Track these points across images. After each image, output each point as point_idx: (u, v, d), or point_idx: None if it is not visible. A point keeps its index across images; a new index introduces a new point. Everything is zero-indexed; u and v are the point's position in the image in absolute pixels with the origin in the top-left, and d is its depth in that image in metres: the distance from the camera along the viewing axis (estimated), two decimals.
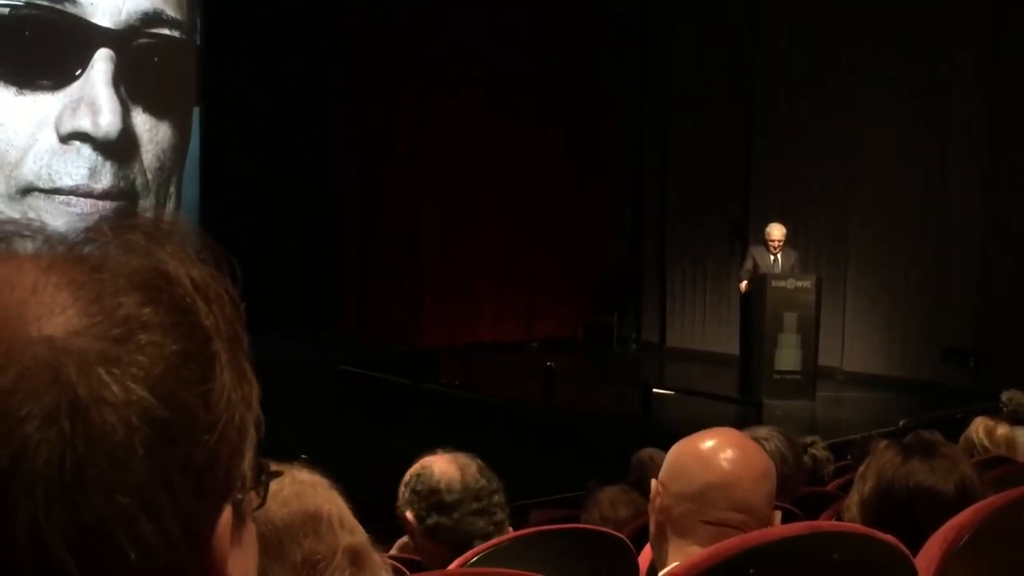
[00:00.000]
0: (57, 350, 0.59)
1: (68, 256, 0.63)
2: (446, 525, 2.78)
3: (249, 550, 0.68)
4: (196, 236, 0.69)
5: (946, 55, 11.99)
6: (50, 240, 0.65)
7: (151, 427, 0.59)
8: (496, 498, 2.85)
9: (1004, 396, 6.75)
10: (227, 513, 0.64)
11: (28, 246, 0.65)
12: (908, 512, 2.32)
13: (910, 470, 2.39)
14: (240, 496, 0.66)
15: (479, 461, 2.92)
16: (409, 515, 2.81)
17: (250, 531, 0.68)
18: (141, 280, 0.63)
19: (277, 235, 12.97)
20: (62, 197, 11.21)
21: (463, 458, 2.89)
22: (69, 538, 0.56)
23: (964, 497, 2.32)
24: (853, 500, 2.46)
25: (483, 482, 2.83)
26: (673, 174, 15.17)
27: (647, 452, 5.45)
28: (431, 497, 2.80)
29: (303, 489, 1.62)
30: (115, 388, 0.58)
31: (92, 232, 0.65)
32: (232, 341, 0.66)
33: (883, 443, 2.59)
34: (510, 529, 2.89)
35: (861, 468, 2.53)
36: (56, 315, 0.60)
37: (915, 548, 1.83)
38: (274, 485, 1.57)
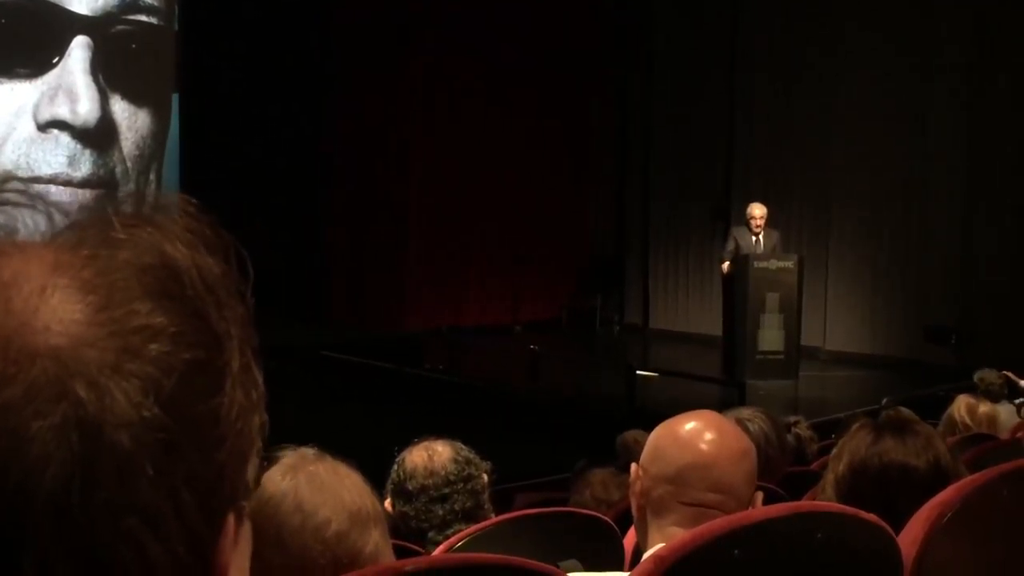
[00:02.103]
0: (65, 363, 0.56)
1: (76, 253, 0.60)
2: (409, 514, 2.80)
3: (244, 550, 0.65)
4: (206, 225, 0.66)
5: (930, 36, 12.01)
6: (53, 219, 0.62)
7: (161, 444, 0.56)
8: (466, 485, 2.83)
9: (976, 376, 6.75)
10: (230, 522, 0.62)
11: (31, 220, 0.62)
12: (882, 490, 2.32)
13: (883, 448, 2.39)
14: (243, 503, 0.64)
15: (459, 447, 2.90)
16: (387, 503, 2.83)
17: (246, 530, 0.65)
18: (152, 283, 0.60)
19: (260, 221, 12.91)
20: (41, 186, 11.14)
21: (440, 445, 2.88)
22: (77, 564, 0.54)
23: (938, 474, 2.32)
24: (828, 480, 2.47)
25: (452, 469, 2.82)
26: (655, 156, 15.18)
27: (631, 434, 5.45)
28: (400, 485, 2.83)
29: (349, 529, 1.60)
30: (125, 404, 0.56)
31: (101, 223, 0.62)
32: (242, 343, 0.64)
33: (856, 423, 2.59)
34: (492, 514, 2.89)
35: (835, 449, 2.53)
36: (65, 324, 0.57)
37: (891, 526, 1.84)
38: (320, 516, 1.56)
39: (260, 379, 0.65)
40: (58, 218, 0.63)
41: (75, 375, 0.56)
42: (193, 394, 0.59)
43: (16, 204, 0.63)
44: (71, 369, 0.56)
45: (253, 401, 0.63)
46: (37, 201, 0.63)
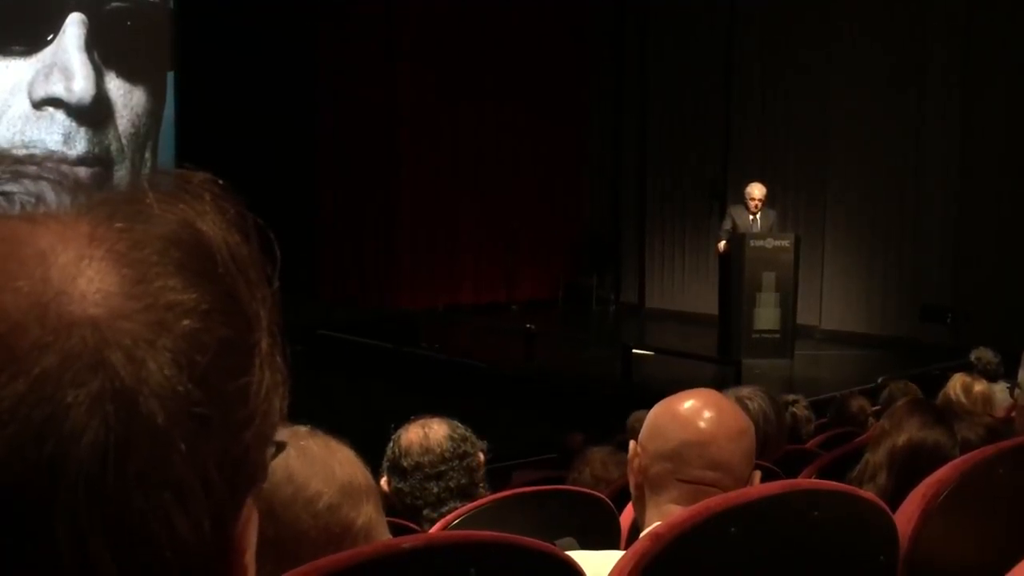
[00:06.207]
0: (103, 333, 0.55)
1: (110, 226, 0.59)
2: (404, 490, 2.80)
3: (255, 529, 0.66)
4: (233, 205, 0.66)
5: (924, 9, 11.98)
6: (73, 190, 0.62)
7: (193, 420, 0.56)
8: (461, 462, 2.83)
9: (973, 355, 6.75)
10: (250, 503, 0.62)
11: (51, 192, 0.61)
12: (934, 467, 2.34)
13: (936, 432, 2.42)
14: (263, 485, 0.64)
15: (455, 425, 2.90)
16: (383, 481, 2.83)
17: (255, 512, 0.66)
18: (185, 259, 0.60)
19: (256, 198, 12.80)
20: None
21: (436, 423, 2.89)
22: (109, 536, 0.54)
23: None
24: (877, 456, 2.49)
25: (447, 447, 2.83)
26: (652, 135, 15.16)
27: (639, 415, 5.45)
28: (395, 462, 2.83)
29: (341, 502, 1.60)
30: (160, 378, 0.55)
31: (133, 196, 0.62)
32: (270, 324, 0.64)
33: (904, 400, 2.62)
34: (487, 492, 2.89)
35: (883, 423, 2.55)
36: (102, 294, 0.56)
37: None
38: (311, 488, 1.56)
39: (283, 361, 0.65)
40: (75, 189, 0.62)
41: (112, 345, 0.55)
42: (224, 372, 0.59)
43: (37, 177, 0.62)
44: (108, 339, 0.55)
45: (278, 383, 0.63)
46: (64, 178, 0.63)
